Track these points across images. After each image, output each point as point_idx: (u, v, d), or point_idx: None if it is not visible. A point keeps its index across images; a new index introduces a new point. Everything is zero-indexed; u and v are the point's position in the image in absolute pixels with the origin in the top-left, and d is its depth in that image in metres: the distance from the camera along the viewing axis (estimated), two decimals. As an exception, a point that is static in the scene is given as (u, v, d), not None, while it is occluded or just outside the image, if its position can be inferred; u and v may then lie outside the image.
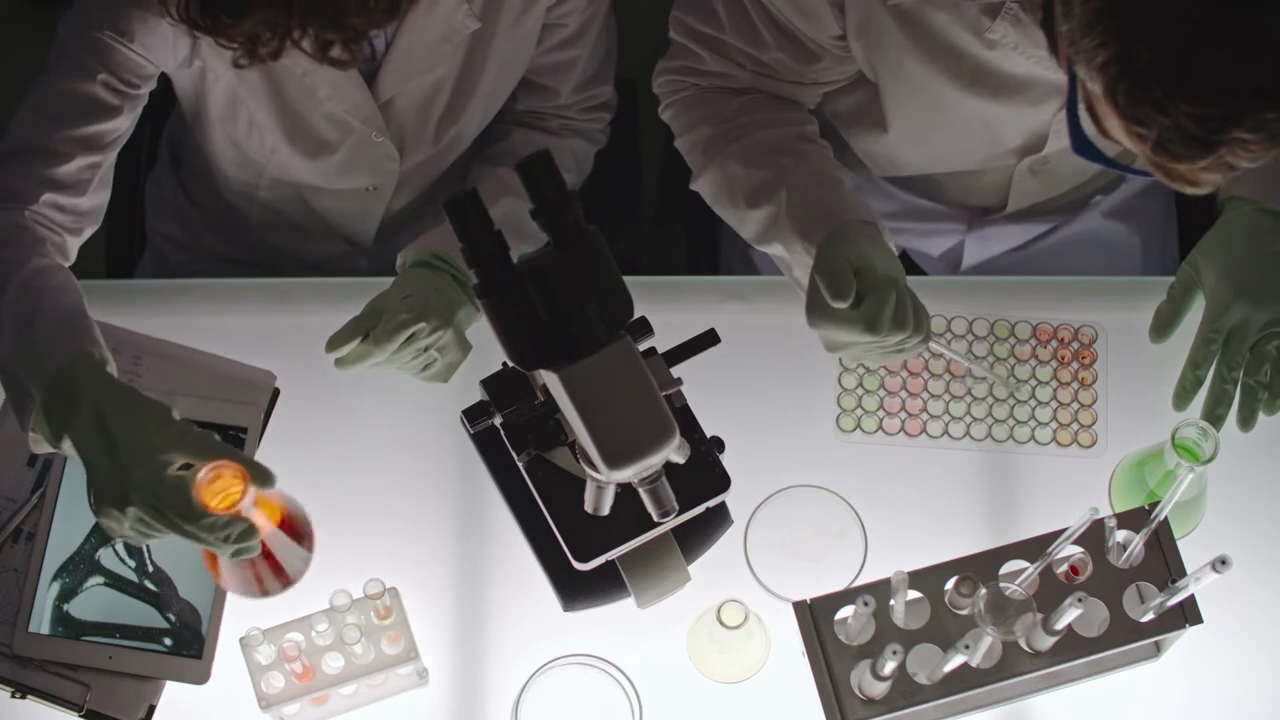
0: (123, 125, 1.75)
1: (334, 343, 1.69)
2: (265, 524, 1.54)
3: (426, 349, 1.72)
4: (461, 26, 1.76)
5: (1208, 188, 1.38)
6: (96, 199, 1.76)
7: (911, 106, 1.81)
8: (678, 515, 1.53)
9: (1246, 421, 1.77)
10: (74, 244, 1.76)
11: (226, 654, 1.73)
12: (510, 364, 1.45)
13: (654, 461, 1.44)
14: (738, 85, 1.81)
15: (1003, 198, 1.99)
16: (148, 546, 1.77)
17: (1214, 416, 1.75)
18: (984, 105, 1.75)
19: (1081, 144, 1.47)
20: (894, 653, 1.45)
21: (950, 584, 1.57)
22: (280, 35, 1.50)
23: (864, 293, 1.59)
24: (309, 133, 1.85)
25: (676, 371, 1.57)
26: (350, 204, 2.00)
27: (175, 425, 1.54)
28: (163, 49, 1.73)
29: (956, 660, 1.48)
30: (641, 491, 1.49)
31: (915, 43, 1.70)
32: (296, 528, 1.61)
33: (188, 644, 1.74)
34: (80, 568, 1.76)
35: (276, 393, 1.85)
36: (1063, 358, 1.86)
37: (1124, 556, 1.59)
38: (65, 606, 1.75)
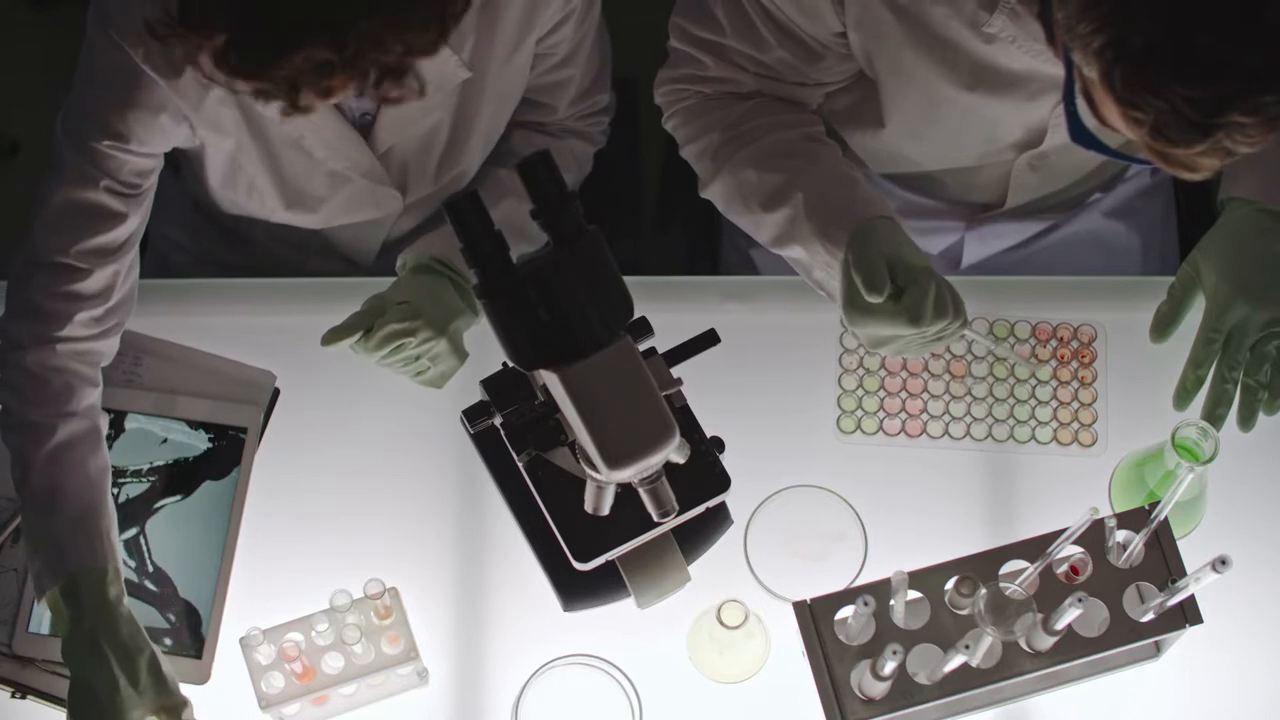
0: (133, 225, 1.74)
1: (330, 337, 1.70)
2: None
3: (418, 358, 1.73)
4: (453, 76, 1.74)
5: (1205, 173, 1.37)
6: (124, 292, 1.76)
7: (909, 101, 1.81)
8: (678, 515, 1.53)
9: (1246, 421, 1.76)
10: (110, 345, 1.76)
11: (226, 654, 1.73)
12: (510, 364, 1.45)
13: (654, 462, 1.44)
14: (742, 90, 1.80)
15: (1001, 194, 1.99)
16: (148, 546, 1.78)
17: (1214, 416, 1.75)
18: (982, 100, 1.75)
19: (1079, 133, 1.47)
20: (894, 653, 1.45)
21: (950, 584, 1.56)
22: (326, 73, 1.42)
23: (903, 285, 1.60)
24: (309, 193, 1.86)
25: (676, 371, 1.57)
26: (354, 229, 1.99)
27: (152, 679, 1.63)
28: (161, 139, 1.72)
29: (956, 660, 1.48)
30: (641, 491, 1.49)
31: (913, 37, 1.70)
32: None
33: (188, 644, 1.74)
34: (80, 568, 1.76)
35: (276, 393, 1.85)
36: (1062, 357, 1.86)
37: (1124, 556, 1.59)
38: (65, 606, 1.75)
